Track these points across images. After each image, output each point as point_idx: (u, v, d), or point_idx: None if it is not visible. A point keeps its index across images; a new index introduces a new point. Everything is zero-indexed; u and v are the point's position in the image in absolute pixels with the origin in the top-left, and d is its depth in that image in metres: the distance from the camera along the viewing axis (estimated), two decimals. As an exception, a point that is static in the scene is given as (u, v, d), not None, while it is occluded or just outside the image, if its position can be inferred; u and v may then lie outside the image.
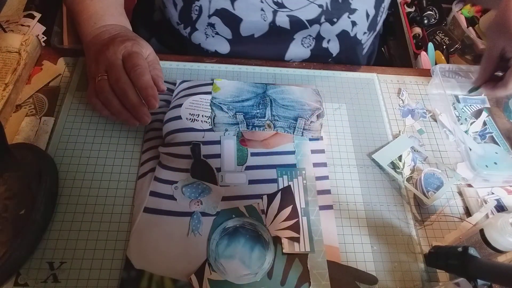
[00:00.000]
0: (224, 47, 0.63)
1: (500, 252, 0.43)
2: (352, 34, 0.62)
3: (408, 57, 1.41)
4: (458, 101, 0.64)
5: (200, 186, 0.50)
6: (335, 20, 0.60)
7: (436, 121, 0.62)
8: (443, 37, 1.43)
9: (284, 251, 0.46)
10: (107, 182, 0.50)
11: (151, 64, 0.51)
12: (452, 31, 1.45)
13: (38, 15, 1.05)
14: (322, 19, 0.59)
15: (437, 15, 1.47)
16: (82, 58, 0.60)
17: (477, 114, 0.63)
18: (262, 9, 0.57)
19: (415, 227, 0.50)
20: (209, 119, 0.56)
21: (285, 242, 0.47)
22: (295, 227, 0.48)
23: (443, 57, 1.38)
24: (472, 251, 0.40)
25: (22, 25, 1.02)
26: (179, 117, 0.55)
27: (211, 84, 0.60)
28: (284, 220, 0.48)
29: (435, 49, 1.38)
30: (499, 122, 0.63)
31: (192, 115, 0.56)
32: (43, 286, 0.42)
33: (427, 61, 1.32)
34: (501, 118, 0.64)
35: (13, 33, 0.88)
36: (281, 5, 0.57)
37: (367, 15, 0.61)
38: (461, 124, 0.61)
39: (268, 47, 0.64)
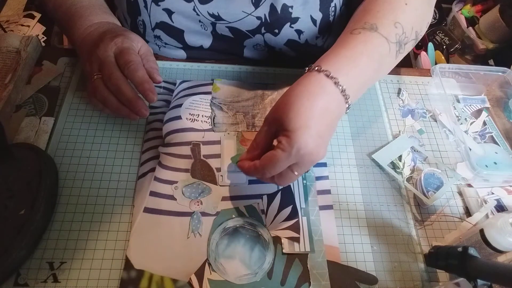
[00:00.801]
0: (180, 54, 0.63)
1: (500, 252, 0.43)
2: (302, 42, 0.60)
3: (408, 57, 1.41)
4: (458, 101, 0.64)
5: (200, 186, 0.50)
6: (276, 31, 0.58)
7: (436, 121, 0.62)
8: (443, 37, 1.43)
9: (284, 251, 0.46)
10: (107, 182, 0.50)
11: (144, 56, 0.51)
12: (452, 31, 1.45)
13: (38, 15, 1.05)
14: (263, 30, 0.58)
15: (437, 15, 1.47)
16: (82, 58, 0.60)
17: (477, 114, 0.63)
18: (200, 21, 0.57)
19: (415, 227, 0.50)
20: (209, 119, 0.56)
21: (285, 242, 0.47)
22: (295, 227, 0.48)
23: (443, 57, 1.38)
24: (472, 251, 0.40)
25: (22, 25, 1.02)
26: (179, 117, 0.55)
27: (211, 84, 0.60)
28: (284, 220, 0.48)
29: (435, 49, 1.38)
30: (499, 122, 0.63)
31: (192, 115, 0.56)
32: (43, 286, 0.42)
33: (427, 61, 1.32)
34: (501, 118, 0.64)
35: (13, 33, 0.88)
36: (218, 17, 0.56)
37: (313, 20, 0.58)
38: (461, 124, 0.61)
39: (224, 54, 0.64)
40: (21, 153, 0.48)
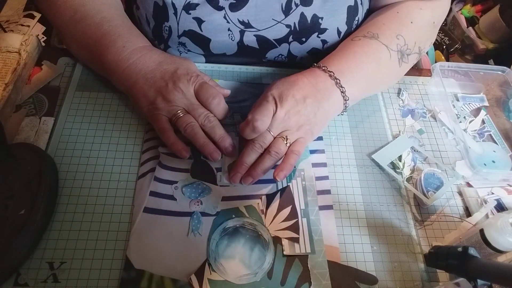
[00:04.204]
0: (199, 60, 0.63)
1: (500, 252, 0.43)
2: (323, 50, 0.61)
3: (408, 57, 1.40)
4: (457, 99, 0.64)
5: (200, 186, 0.50)
6: (303, 39, 0.58)
7: (436, 120, 0.62)
8: (443, 37, 1.43)
9: (284, 253, 0.46)
10: (107, 182, 0.50)
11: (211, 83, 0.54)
12: (452, 31, 1.45)
13: (38, 15, 1.05)
14: (290, 39, 0.58)
15: (437, 15, 1.47)
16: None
17: (476, 112, 0.63)
18: (229, 29, 0.56)
19: (415, 227, 0.50)
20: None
21: (285, 243, 0.47)
22: (295, 227, 0.48)
23: (443, 57, 1.38)
24: (472, 251, 0.40)
25: (22, 25, 1.02)
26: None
27: (211, 84, 0.60)
28: (284, 221, 0.48)
29: (435, 49, 1.38)
30: (497, 121, 0.63)
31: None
32: (43, 286, 0.42)
33: (427, 61, 1.32)
34: (500, 117, 0.64)
35: (13, 33, 0.88)
36: (248, 25, 0.56)
37: (338, 32, 0.59)
38: (460, 122, 0.61)
39: (242, 62, 0.64)
40: (21, 153, 0.48)
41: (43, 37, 1.02)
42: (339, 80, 0.51)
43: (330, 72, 0.51)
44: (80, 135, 0.53)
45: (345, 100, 0.52)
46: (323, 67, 0.51)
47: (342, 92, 0.51)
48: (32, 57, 0.59)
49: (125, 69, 0.51)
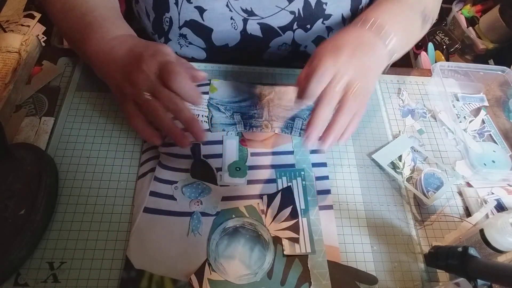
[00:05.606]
0: (200, 55, 0.62)
1: (500, 252, 0.43)
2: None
3: (408, 57, 1.41)
4: (457, 99, 0.64)
5: (200, 186, 0.50)
6: (308, 26, 0.58)
7: (436, 120, 0.62)
8: (443, 37, 1.43)
9: (285, 253, 0.46)
10: (107, 182, 0.50)
11: (183, 64, 0.50)
12: (452, 31, 1.45)
13: (38, 15, 1.05)
14: (295, 26, 0.57)
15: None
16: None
17: (476, 112, 0.63)
18: (231, 18, 0.56)
19: (415, 227, 0.50)
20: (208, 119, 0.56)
21: (285, 243, 0.47)
22: (295, 228, 0.48)
23: (443, 57, 1.38)
24: (472, 251, 0.40)
25: (22, 25, 1.02)
26: (179, 117, 0.55)
27: (208, 84, 0.60)
28: (284, 221, 0.48)
29: (435, 49, 1.38)
30: (497, 121, 0.63)
31: (191, 115, 0.56)
32: (43, 286, 0.42)
33: (427, 61, 1.32)
34: (500, 117, 0.64)
35: (13, 33, 0.88)
36: (251, 13, 0.55)
37: (343, 19, 0.58)
38: (460, 122, 0.61)
39: (244, 54, 0.63)
40: (21, 153, 0.48)
41: (43, 37, 1.02)
42: (380, 31, 0.48)
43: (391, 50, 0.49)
44: (80, 135, 0.53)
45: (388, 51, 0.49)
46: (361, 21, 0.49)
47: (384, 43, 0.48)
48: (32, 57, 0.59)
49: (102, 59, 0.49)
